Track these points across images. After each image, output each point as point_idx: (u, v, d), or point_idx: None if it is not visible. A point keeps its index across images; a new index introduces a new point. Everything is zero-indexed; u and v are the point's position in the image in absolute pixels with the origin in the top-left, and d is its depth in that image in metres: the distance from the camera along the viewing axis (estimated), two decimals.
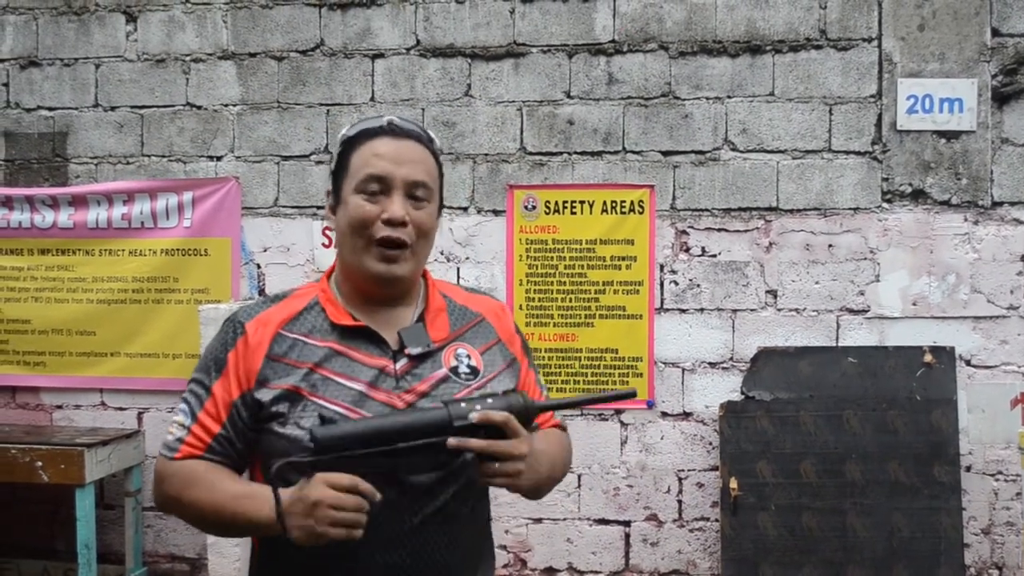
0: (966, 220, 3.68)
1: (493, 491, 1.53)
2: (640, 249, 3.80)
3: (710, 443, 3.79)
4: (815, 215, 3.74)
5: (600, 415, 3.83)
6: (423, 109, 3.90)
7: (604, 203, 3.81)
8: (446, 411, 1.34)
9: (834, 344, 3.73)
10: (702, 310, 3.79)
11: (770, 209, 3.76)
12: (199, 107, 4.03)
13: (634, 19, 3.80)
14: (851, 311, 3.73)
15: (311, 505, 1.29)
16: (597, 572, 3.87)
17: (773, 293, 3.76)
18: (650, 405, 3.80)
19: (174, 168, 4.05)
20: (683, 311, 3.80)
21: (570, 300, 3.83)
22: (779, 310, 3.76)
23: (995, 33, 3.66)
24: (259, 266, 4.01)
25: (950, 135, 3.67)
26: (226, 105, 4.01)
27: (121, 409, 4.09)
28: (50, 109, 4.13)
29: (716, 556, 3.77)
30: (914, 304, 3.70)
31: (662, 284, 3.81)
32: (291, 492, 1.32)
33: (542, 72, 3.84)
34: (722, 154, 3.77)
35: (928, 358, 3.65)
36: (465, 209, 3.88)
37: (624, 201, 3.80)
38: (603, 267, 3.81)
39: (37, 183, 4.12)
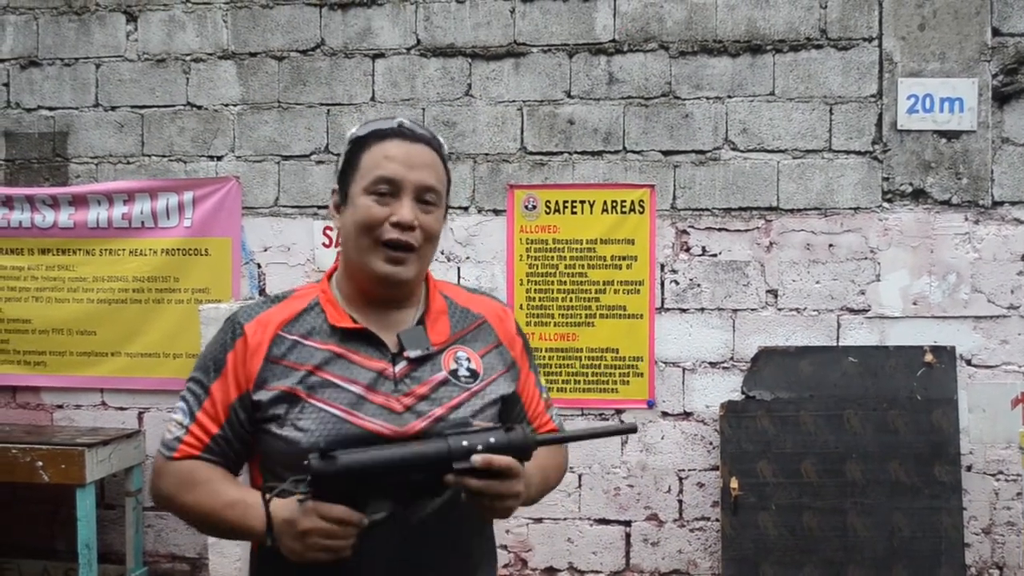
0: (967, 220, 3.68)
1: None
2: (640, 249, 3.79)
3: (711, 443, 3.79)
4: (815, 215, 3.74)
5: (601, 415, 3.83)
6: (423, 109, 3.90)
7: (604, 203, 3.81)
8: (446, 446, 1.31)
9: (835, 344, 3.73)
10: (703, 310, 3.79)
11: (770, 209, 3.76)
12: (199, 107, 4.03)
13: (634, 19, 3.80)
14: (852, 311, 3.73)
15: (301, 533, 1.30)
16: (598, 572, 3.87)
17: (774, 293, 3.76)
18: (651, 405, 3.80)
19: (174, 168, 4.05)
20: (684, 311, 3.80)
21: (570, 300, 3.83)
22: (779, 310, 3.76)
23: (996, 33, 3.66)
24: (259, 266, 4.01)
25: (951, 135, 3.67)
26: (226, 105, 4.01)
27: (122, 409, 4.09)
28: (50, 109, 4.13)
29: (717, 556, 3.77)
30: (915, 304, 3.70)
31: (662, 284, 3.81)
32: (283, 514, 1.32)
33: (542, 72, 3.84)
34: (722, 154, 3.77)
35: (929, 358, 3.65)
36: (466, 209, 3.88)
37: (624, 201, 3.80)
38: (603, 267, 3.81)
39: (38, 183, 4.13)
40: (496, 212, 3.87)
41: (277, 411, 1.42)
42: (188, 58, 4.03)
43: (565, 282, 3.83)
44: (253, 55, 3.99)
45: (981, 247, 3.67)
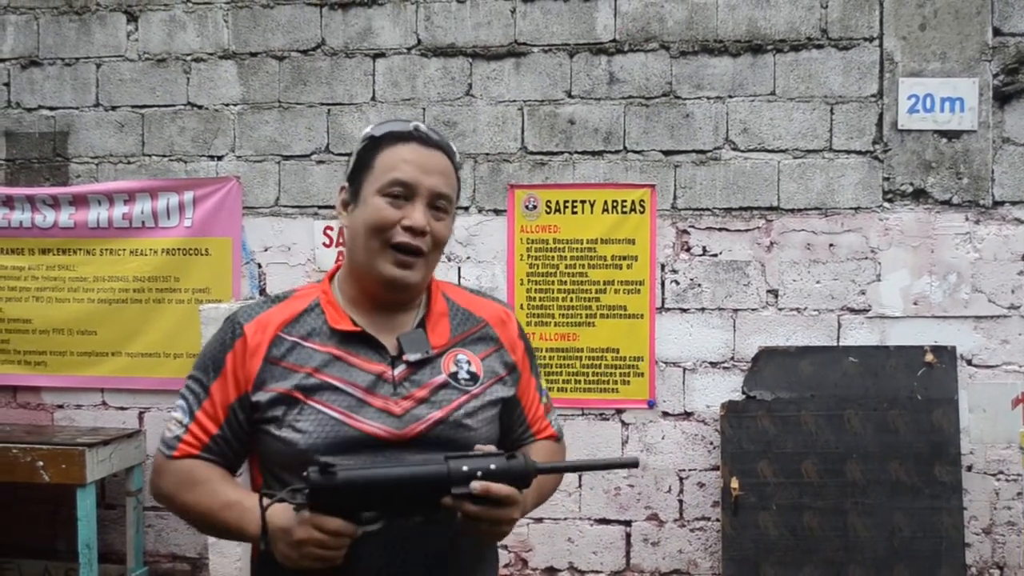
0: (967, 220, 3.68)
1: None
2: (641, 249, 3.79)
3: (711, 443, 3.79)
4: (816, 215, 3.74)
5: (601, 414, 3.83)
6: (424, 109, 3.90)
7: (605, 203, 3.81)
8: (446, 469, 1.31)
9: (835, 344, 3.73)
10: (703, 310, 3.79)
11: (771, 209, 3.76)
12: (200, 107, 4.03)
13: (635, 18, 3.79)
14: (852, 311, 3.73)
15: (296, 542, 1.30)
16: (598, 572, 3.87)
17: (774, 293, 3.76)
18: (651, 405, 3.80)
19: (175, 168, 4.05)
20: (684, 311, 3.80)
21: (571, 299, 3.83)
22: (780, 310, 3.76)
23: (996, 32, 3.66)
24: (260, 266, 4.01)
25: (951, 135, 3.66)
26: (227, 105, 4.01)
27: (122, 409, 4.09)
28: (51, 109, 4.13)
29: (717, 556, 3.77)
30: (915, 304, 3.70)
31: (663, 284, 3.81)
32: (279, 521, 1.32)
33: (543, 72, 3.84)
34: (723, 154, 3.77)
35: (929, 358, 3.65)
36: (466, 208, 3.88)
37: (625, 201, 3.80)
38: (604, 266, 3.81)
39: (38, 183, 4.13)
40: (497, 212, 3.87)
41: (275, 412, 1.42)
42: (189, 58, 4.03)
43: (566, 282, 3.83)
44: (254, 55, 3.99)
45: (982, 247, 3.67)
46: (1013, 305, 3.67)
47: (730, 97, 3.76)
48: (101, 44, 4.08)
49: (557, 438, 1.68)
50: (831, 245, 3.73)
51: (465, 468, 1.31)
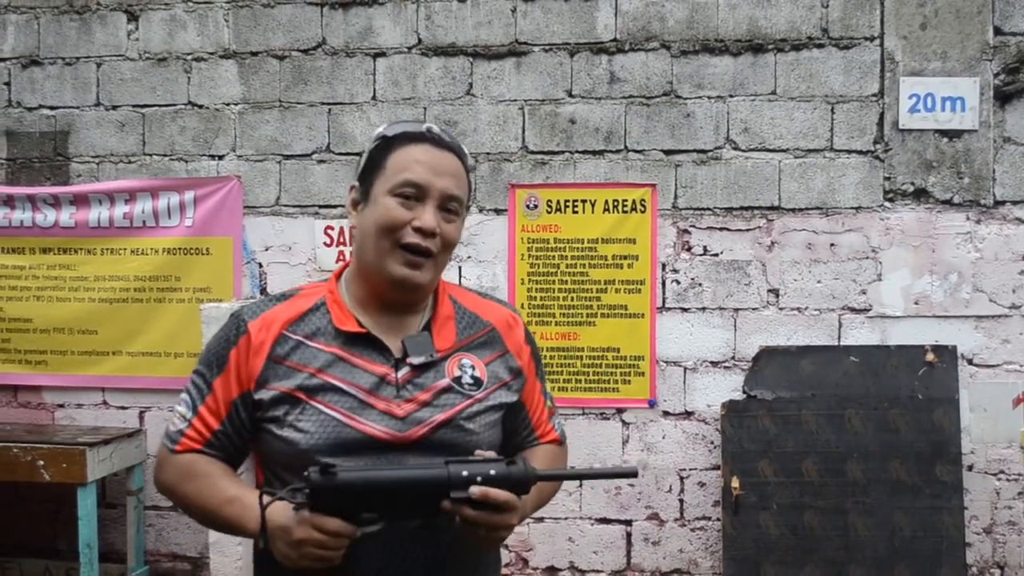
0: (968, 219, 3.68)
1: None
2: (642, 248, 3.79)
3: (712, 442, 3.79)
4: (817, 214, 3.74)
5: (602, 414, 3.83)
6: (425, 108, 3.90)
7: (606, 202, 3.81)
8: (445, 473, 1.31)
9: (836, 343, 3.73)
10: (704, 309, 3.79)
11: (772, 208, 3.75)
12: (201, 106, 4.03)
13: (636, 18, 3.79)
14: (853, 310, 3.73)
15: (295, 542, 1.30)
16: (599, 571, 3.87)
17: (775, 292, 3.76)
18: (652, 404, 3.80)
19: (176, 167, 4.05)
20: (685, 310, 3.80)
21: (572, 299, 3.83)
22: (781, 309, 3.76)
23: (997, 32, 3.66)
24: (261, 265, 4.01)
25: (952, 134, 3.66)
26: (228, 104, 4.01)
27: (123, 408, 4.09)
28: (52, 108, 4.13)
29: (718, 555, 3.77)
30: (916, 303, 3.70)
31: (664, 283, 3.81)
32: (278, 519, 1.32)
33: (544, 71, 3.84)
34: (724, 153, 3.77)
35: (930, 357, 3.65)
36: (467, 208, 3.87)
37: (626, 200, 3.80)
38: (605, 266, 3.81)
39: (39, 182, 4.13)
40: (497, 211, 3.87)
41: (277, 412, 1.42)
42: (189, 57, 4.03)
43: (566, 281, 3.83)
44: (254, 54, 3.99)
45: (983, 247, 3.67)
46: (1014, 305, 3.67)
47: (731, 96, 3.76)
48: (102, 43, 4.08)
49: (560, 442, 1.68)
50: (832, 245, 3.73)
51: (465, 473, 1.31)
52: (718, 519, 3.76)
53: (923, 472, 3.57)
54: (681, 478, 3.82)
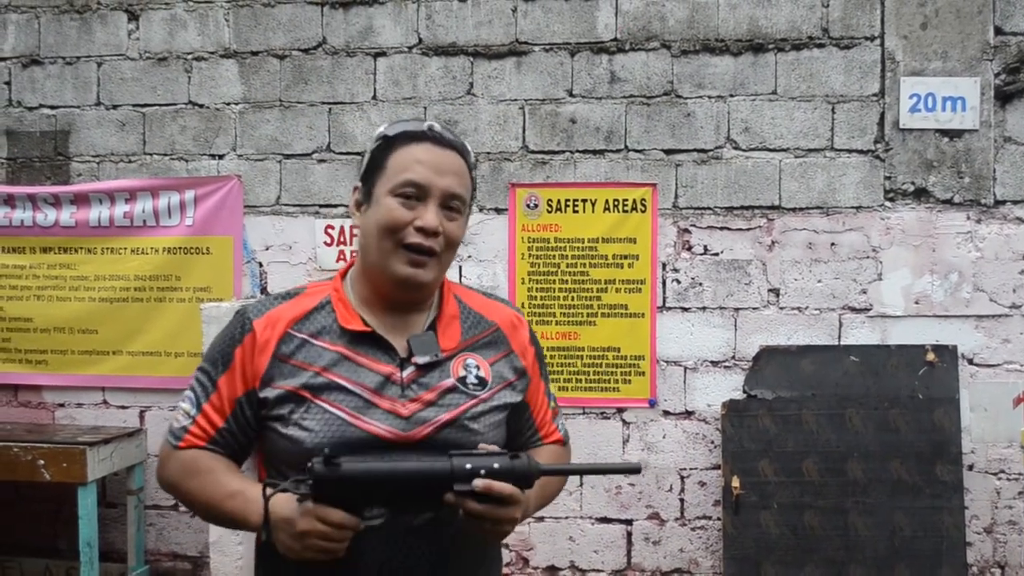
0: (969, 219, 3.68)
1: None
2: (642, 247, 3.79)
3: (712, 442, 3.79)
4: (817, 214, 3.74)
5: (602, 413, 3.83)
6: (425, 108, 3.90)
7: (606, 201, 3.81)
8: (449, 466, 1.31)
9: (836, 343, 3.73)
10: (704, 308, 3.79)
11: (772, 208, 3.75)
12: (201, 105, 4.03)
13: (636, 17, 3.79)
14: (853, 310, 3.73)
15: (298, 533, 1.30)
16: (599, 571, 3.87)
17: (775, 292, 3.76)
18: (652, 404, 3.80)
19: (176, 166, 4.05)
20: (685, 309, 3.80)
21: (572, 298, 3.83)
22: (781, 309, 3.76)
23: (998, 31, 3.66)
24: (261, 264, 4.01)
25: (953, 134, 3.66)
26: (228, 103, 4.01)
27: (123, 407, 4.09)
28: (52, 107, 4.13)
29: (718, 555, 3.77)
30: (916, 303, 3.70)
31: (664, 283, 3.81)
32: (282, 511, 1.32)
33: (544, 70, 3.84)
34: (724, 153, 3.77)
35: (930, 357, 3.65)
36: None
37: (626, 199, 3.80)
38: (605, 265, 3.81)
39: (39, 181, 4.13)
40: (498, 211, 3.87)
41: (282, 411, 1.42)
42: (190, 57, 4.03)
43: (567, 281, 3.83)
44: (255, 54, 3.99)
45: (983, 246, 3.67)
46: (1014, 304, 3.67)
47: (731, 96, 3.76)
48: (102, 43, 4.08)
49: (564, 442, 1.68)
50: (832, 244, 3.73)
51: (468, 465, 1.31)
52: (718, 519, 3.76)
53: (923, 472, 3.57)
54: (682, 477, 3.82)
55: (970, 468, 3.67)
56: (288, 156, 3.99)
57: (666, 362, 3.80)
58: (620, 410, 3.83)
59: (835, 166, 3.72)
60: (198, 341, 3.62)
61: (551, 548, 3.88)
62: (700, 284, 3.79)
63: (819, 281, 3.74)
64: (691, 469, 3.82)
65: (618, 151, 3.81)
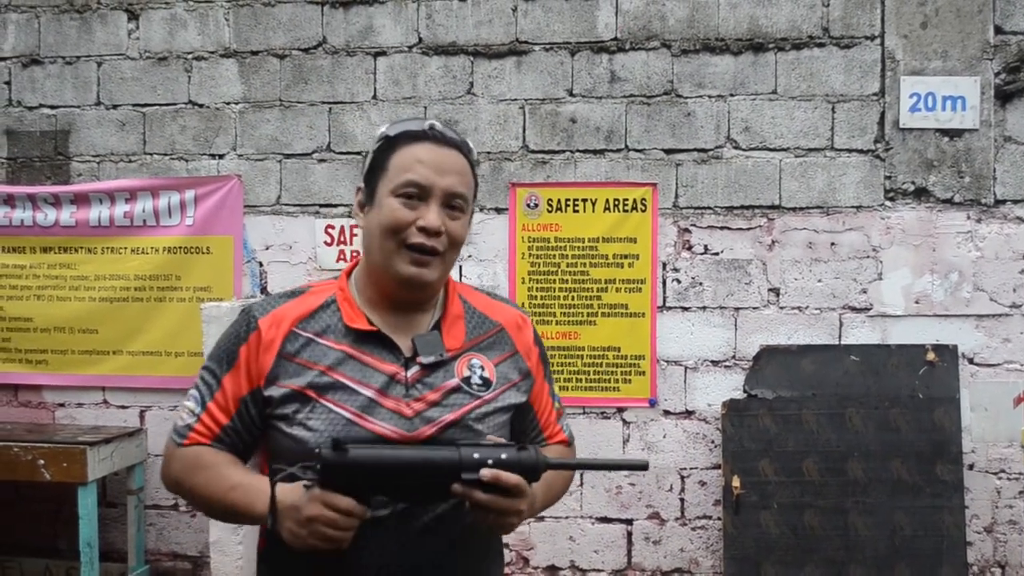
0: (969, 218, 3.68)
1: None
2: (642, 247, 3.79)
3: (712, 441, 3.79)
4: (818, 213, 3.74)
5: (602, 413, 3.83)
6: (425, 107, 3.90)
7: (606, 201, 3.81)
8: (457, 455, 1.31)
9: (837, 342, 3.73)
10: (704, 308, 3.79)
11: (773, 207, 3.75)
12: (201, 105, 4.03)
13: (636, 17, 3.79)
14: (854, 309, 3.73)
15: (305, 519, 1.30)
16: (599, 570, 3.87)
17: (776, 291, 3.76)
18: (652, 403, 3.80)
19: (176, 166, 4.05)
20: (685, 309, 3.80)
21: (572, 298, 3.83)
22: (782, 308, 3.76)
23: (998, 31, 3.66)
24: (261, 264, 4.01)
25: (953, 133, 3.66)
26: (228, 103, 4.01)
27: (123, 407, 4.09)
28: (52, 107, 4.13)
29: (718, 554, 3.77)
30: (917, 302, 3.70)
31: (664, 282, 3.81)
32: (288, 498, 1.32)
33: (544, 70, 3.84)
34: (725, 152, 3.77)
35: (931, 356, 3.65)
36: None
37: (626, 199, 3.80)
38: (605, 265, 3.81)
39: (39, 181, 4.12)
40: (498, 210, 3.87)
41: (287, 410, 1.42)
42: (190, 56, 4.03)
43: (567, 280, 3.83)
44: (255, 53, 3.99)
45: (983, 246, 3.67)
46: (1015, 304, 3.67)
47: (731, 96, 3.76)
48: (102, 42, 4.08)
49: (568, 443, 1.68)
50: (833, 244, 3.73)
51: (476, 455, 1.32)
52: (719, 518, 3.76)
53: (924, 471, 3.56)
54: (682, 477, 3.82)
55: (970, 468, 3.67)
56: (288, 156, 3.99)
57: (666, 362, 3.80)
58: (620, 410, 3.83)
59: (835, 166, 3.72)
60: (198, 341, 3.62)
61: (551, 548, 3.88)
62: (700, 284, 3.79)
63: (819, 281, 3.74)
64: (691, 469, 3.82)
65: (618, 151, 3.81)
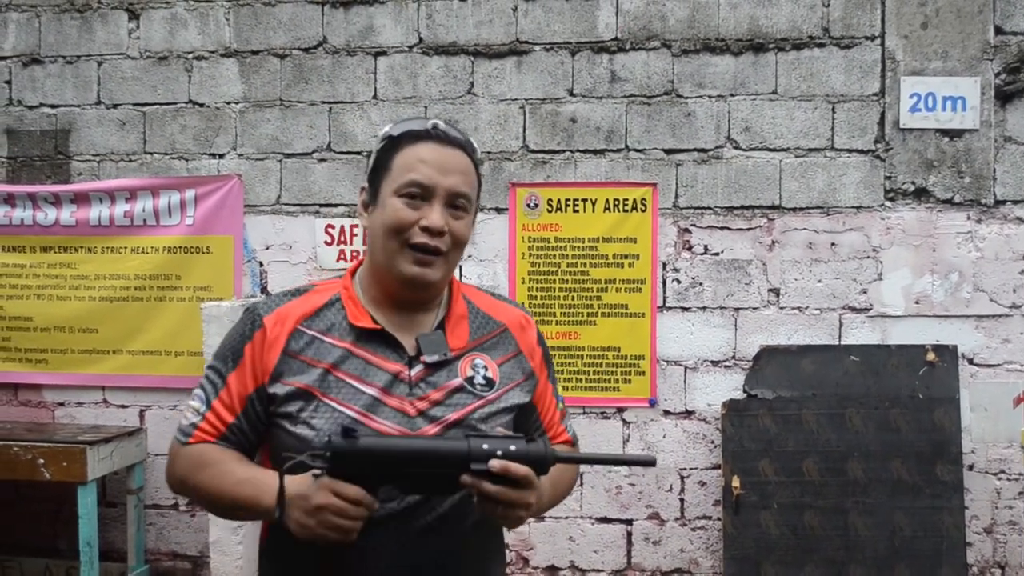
0: (969, 219, 3.68)
1: None
2: (642, 247, 3.79)
3: (712, 441, 3.79)
4: (818, 213, 3.74)
5: (602, 413, 3.83)
6: (426, 107, 3.90)
7: (607, 201, 3.81)
8: (466, 446, 1.31)
9: (837, 343, 3.73)
10: (704, 308, 3.79)
11: (773, 207, 3.75)
12: (201, 104, 4.03)
13: (637, 17, 3.79)
14: (854, 309, 3.73)
15: (314, 508, 1.29)
16: (599, 571, 3.87)
17: (776, 291, 3.76)
18: (652, 403, 3.80)
19: (176, 166, 4.05)
20: (685, 309, 3.80)
21: (572, 298, 3.83)
22: (782, 308, 3.76)
23: (998, 31, 3.66)
24: (261, 264, 4.01)
25: (953, 133, 3.66)
26: (228, 103, 4.01)
27: (123, 407, 4.09)
28: (52, 106, 4.13)
29: (718, 555, 3.77)
30: (917, 303, 3.70)
31: (664, 282, 3.81)
32: (296, 488, 1.32)
33: (545, 70, 3.84)
34: (725, 152, 3.77)
35: (931, 357, 3.65)
36: None
37: (627, 199, 3.80)
38: (605, 265, 3.81)
39: (40, 180, 4.12)
40: (498, 210, 3.87)
41: (291, 408, 1.42)
42: (190, 56, 4.03)
43: (567, 280, 3.83)
44: (255, 53, 3.99)
45: (983, 246, 3.67)
46: (1015, 304, 3.67)
47: (732, 96, 3.76)
48: (103, 42, 4.08)
49: (572, 443, 1.69)
50: (833, 244, 3.73)
51: (485, 446, 1.31)
52: (719, 518, 3.76)
53: (924, 472, 3.56)
54: (682, 477, 3.82)
55: (970, 468, 3.67)
56: (288, 155, 3.99)
57: (666, 362, 3.80)
58: (620, 410, 3.83)
59: (835, 166, 3.72)
60: (198, 340, 3.61)
61: (551, 548, 3.88)
62: (700, 284, 3.79)
63: (819, 281, 3.74)
64: (691, 469, 3.82)
65: (618, 151, 3.81)
